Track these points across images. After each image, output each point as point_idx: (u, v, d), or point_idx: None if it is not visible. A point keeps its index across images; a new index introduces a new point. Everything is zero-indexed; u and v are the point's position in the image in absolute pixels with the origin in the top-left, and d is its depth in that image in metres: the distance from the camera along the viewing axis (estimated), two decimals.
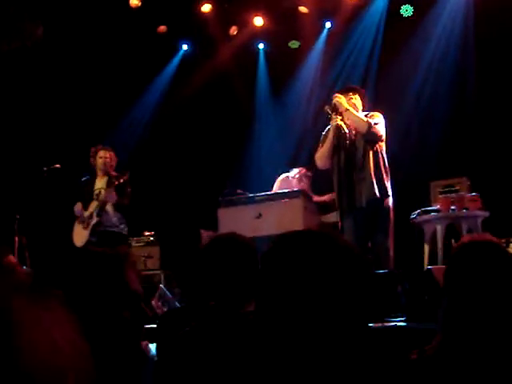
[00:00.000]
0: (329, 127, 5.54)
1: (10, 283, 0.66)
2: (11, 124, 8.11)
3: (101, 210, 6.75)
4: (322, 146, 5.54)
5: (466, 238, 1.99)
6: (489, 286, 1.75)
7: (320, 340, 1.17)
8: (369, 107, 5.80)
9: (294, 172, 7.55)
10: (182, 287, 3.17)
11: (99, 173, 6.92)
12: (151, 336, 3.31)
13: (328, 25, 9.68)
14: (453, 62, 8.40)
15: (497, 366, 1.67)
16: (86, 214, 6.81)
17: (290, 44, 9.90)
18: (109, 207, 6.80)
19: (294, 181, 7.56)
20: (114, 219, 6.85)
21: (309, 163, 7.84)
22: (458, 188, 6.77)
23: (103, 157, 6.88)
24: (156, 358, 3.09)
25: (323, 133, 5.63)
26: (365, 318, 1.27)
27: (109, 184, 6.77)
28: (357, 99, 5.53)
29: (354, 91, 5.62)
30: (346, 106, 5.31)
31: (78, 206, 6.89)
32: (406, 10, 8.89)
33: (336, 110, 5.34)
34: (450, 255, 1.97)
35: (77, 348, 0.75)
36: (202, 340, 2.07)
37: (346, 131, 5.36)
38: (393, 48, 8.90)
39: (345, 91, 5.59)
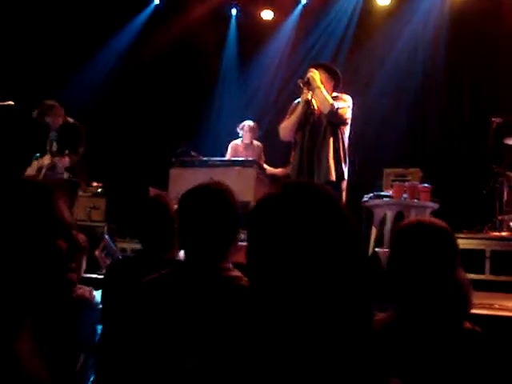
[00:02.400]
0: (298, 100, 5.45)
1: None
2: None
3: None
4: (289, 117, 5.44)
5: (411, 218, 2.12)
6: (429, 265, 1.91)
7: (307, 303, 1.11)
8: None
9: (240, 133, 7.58)
10: (133, 238, 3.12)
11: None
12: (96, 284, 3.26)
13: (304, 0, 9.63)
14: (423, 54, 8.51)
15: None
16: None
17: (262, 14, 9.82)
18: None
19: (242, 146, 7.60)
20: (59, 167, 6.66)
21: (268, 134, 7.88)
22: (409, 178, 6.91)
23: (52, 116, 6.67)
24: (100, 305, 3.06)
25: (292, 104, 5.53)
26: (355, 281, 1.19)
27: None
28: (330, 79, 5.41)
29: (329, 70, 5.50)
30: (319, 83, 5.23)
31: None
32: None
33: (309, 84, 5.26)
34: (396, 233, 2.11)
35: None
36: (170, 289, 2.00)
37: (315, 108, 5.31)
38: (366, 33, 8.94)
39: (321, 67, 5.49)
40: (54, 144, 6.58)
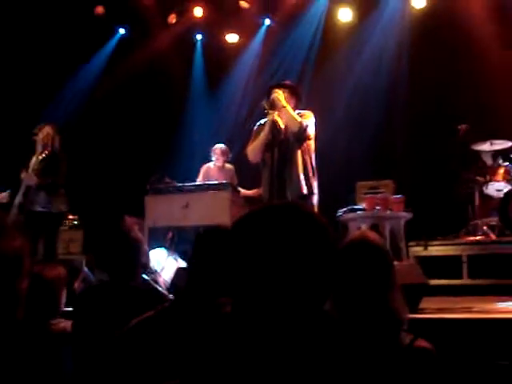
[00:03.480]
0: (262, 121, 5.51)
1: None
2: None
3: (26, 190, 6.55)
4: (255, 139, 5.49)
5: (350, 236, 2.23)
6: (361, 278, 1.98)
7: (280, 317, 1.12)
8: (303, 106, 5.82)
9: (213, 157, 7.65)
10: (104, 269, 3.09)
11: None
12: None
13: (267, 22, 9.77)
14: (386, 68, 8.64)
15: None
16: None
17: (227, 38, 9.93)
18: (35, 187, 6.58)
19: (214, 169, 7.66)
20: (41, 199, 6.60)
21: (239, 156, 7.94)
22: (383, 190, 6.98)
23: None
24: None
25: (255, 127, 5.61)
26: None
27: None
28: (291, 97, 5.50)
29: (290, 88, 5.60)
30: (284, 102, 5.31)
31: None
32: (345, 14, 9.07)
33: (274, 105, 5.32)
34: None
35: None
36: (166, 326, 1.99)
37: (282, 127, 5.38)
38: (329, 50, 9.07)
39: (281, 86, 5.57)
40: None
